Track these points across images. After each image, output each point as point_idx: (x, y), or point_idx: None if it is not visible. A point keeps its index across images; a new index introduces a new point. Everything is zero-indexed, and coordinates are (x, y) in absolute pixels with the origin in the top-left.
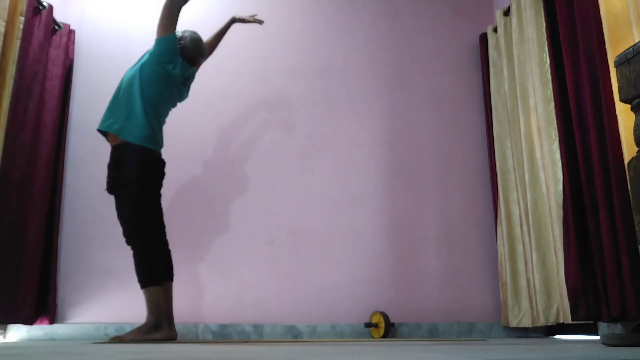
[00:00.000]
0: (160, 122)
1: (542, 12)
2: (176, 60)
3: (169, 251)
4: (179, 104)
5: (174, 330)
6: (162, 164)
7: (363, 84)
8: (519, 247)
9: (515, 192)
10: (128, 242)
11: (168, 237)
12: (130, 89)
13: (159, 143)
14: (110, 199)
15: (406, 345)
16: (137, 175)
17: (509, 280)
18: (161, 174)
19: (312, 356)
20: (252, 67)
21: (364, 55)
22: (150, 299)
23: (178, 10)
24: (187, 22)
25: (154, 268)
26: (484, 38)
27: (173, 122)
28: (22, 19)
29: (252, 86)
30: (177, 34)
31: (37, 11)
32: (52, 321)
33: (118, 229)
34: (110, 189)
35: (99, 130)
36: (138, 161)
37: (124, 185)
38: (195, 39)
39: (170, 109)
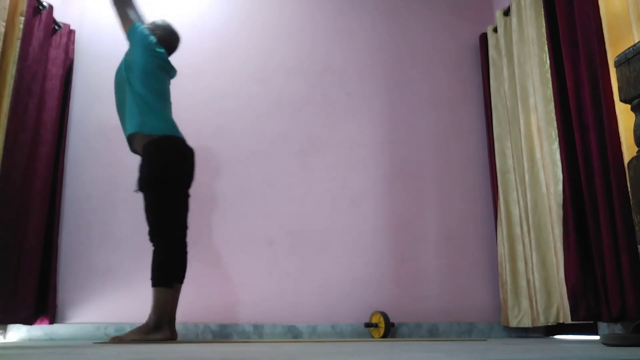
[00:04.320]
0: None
1: (542, 12)
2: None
3: (186, 253)
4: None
5: (174, 331)
6: (192, 153)
7: (363, 84)
8: (519, 247)
9: (515, 192)
10: (150, 240)
11: None
12: (132, 88)
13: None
14: (110, 199)
15: (406, 345)
16: (165, 174)
17: (509, 280)
18: (191, 168)
19: (312, 356)
20: (252, 67)
21: (364, 56)
22: (158, 299)
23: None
24: (187, 22)
25: (170, 270)
26: (484, 38)
27: None
28: (22, 19)
29: (252, 86)
30: (147, 25)
31: (37, 11)
32: (52, 321)
33: (118, 229)
34: (140, 187)
35: (129, 143)
36: (169, 156)
37: (152, 184)
38: (168, 25)
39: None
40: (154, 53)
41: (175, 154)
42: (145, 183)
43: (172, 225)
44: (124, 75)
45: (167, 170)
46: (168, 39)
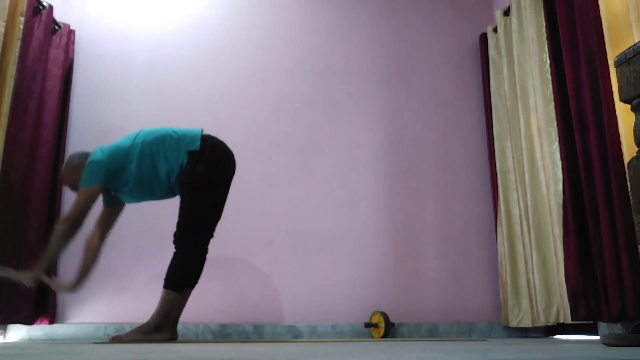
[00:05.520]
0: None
1: (542, 12)
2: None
3: (204, 260)
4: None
5: (175, 332)
6: (232, 157)
7: (363, 84)
8: (519, 247)
9: (515, 192)
10: (174, 242)
11: (169, 237)
12: (150, 168)
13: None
14: None
15: (406, 345)
16: (206, 179)
17: (509, 280)
18: (231, 171)
19: (312, 356)
20: (253, 67)
21: (364, 55)
22: (165, 301)
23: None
24: (187, 22)
25: (184, 276)
26: (484, 38)
27: (172, 122)
28: (22, 19)
29: (252, 86)
30: (78, 172)
31: (37, 11)
32: (52, 321)
33: (118, 229)
34: (180, 191)
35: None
36: (211, 162)
37: (192, 190)
38: (74, 155)
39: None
40: (107, 159)
41: (216, 158)
42: (187, 188)
43: (199, 233)
44: (145, 183)
45: (208, 175)
46: (84, 156)
